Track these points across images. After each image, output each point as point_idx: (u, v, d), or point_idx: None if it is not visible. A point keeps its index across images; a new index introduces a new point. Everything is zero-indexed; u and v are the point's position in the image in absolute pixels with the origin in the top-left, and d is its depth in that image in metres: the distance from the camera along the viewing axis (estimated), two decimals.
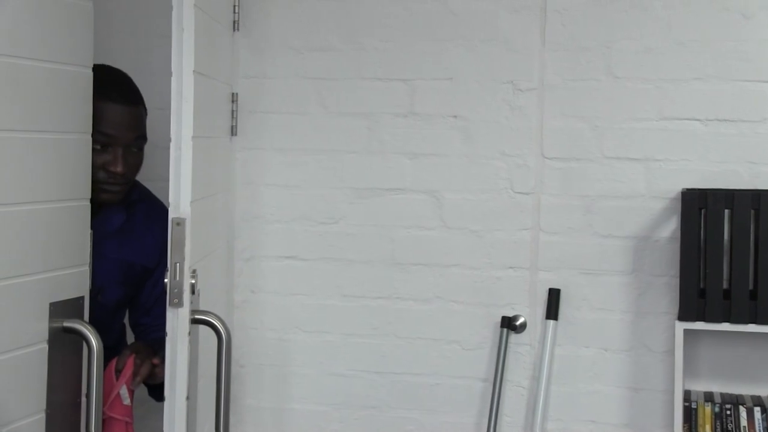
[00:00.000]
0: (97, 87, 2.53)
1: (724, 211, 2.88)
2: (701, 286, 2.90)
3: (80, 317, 2.40)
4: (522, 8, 3.19)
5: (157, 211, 2.79)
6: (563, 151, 3.18)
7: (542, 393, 3.16)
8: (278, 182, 3.33)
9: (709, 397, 3.00)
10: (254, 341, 3.35)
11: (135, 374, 2.57)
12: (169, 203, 2.43)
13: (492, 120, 3.22)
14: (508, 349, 3.19)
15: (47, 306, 2.28)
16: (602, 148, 3.15)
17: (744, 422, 2.91)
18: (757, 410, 2.92)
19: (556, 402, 3.19)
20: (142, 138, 2.69)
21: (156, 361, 2.57)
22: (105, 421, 2.53)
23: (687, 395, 2.98)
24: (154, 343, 2.68)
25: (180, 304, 2.41)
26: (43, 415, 2.27)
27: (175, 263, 2.41)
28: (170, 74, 2.55)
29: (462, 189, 3.24)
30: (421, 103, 3.27)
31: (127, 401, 2.58)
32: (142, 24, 3.40)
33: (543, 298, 3.19)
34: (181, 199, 2.43)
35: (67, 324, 2.33)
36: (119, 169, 2.60)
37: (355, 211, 3.30)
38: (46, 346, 2.28)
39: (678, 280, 2.94)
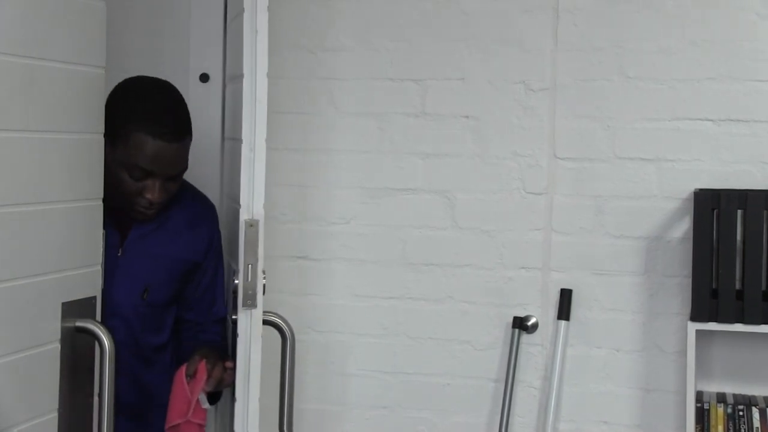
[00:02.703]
0: (141, 117, 2.49)
1: (737, 212, 2.87)
2: (714, 286, 2.89)
3: (92, 317, 2.40)
4: (534, 8, 3.18)
5: (204, 207, 2.78)
6: (575, 152, 3.17)
7: (554, 393, 3.15)
8: (290, 182, 3.33)
9: (721, 398, 2.99)
10: (265, 341, 3.34)
11: (208, 378, 2.55)
12: (240, 205, 2.43)
13: (504, 120, 3.22)
14: (519, 349, 3.19)
15: (59, 306, 2.28)
16: (614, 149, 3.14)
17: (757, 423, 2.90)
18: None
19: (568, 402, 3.18)
20: (184, 169, 2.62)
21: (229, 364, 2.54)
22: (181, 426, 2.55)
23: (699, 396, 2.97)
24: (215, 345, 2.68)
25: (254, 305, 2.44)
26: (55, 415, 2.27)
27: (248, 265, 2.42)
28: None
29: (474, 189, 3.24)
30: (432, 103, 3.26)
31: (206, 405, 2.58)
32: (153, 24, 3.41)
33: (555, 298, 3.19)
34: (254, 201, 2.43)
35: (79, 324, 2.33)
36: (157, 197, 2.55)
37: (366, 211, 3.30)
38: (58, 345, 2.28)
39: (690, 280, 2.93)
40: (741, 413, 2.92)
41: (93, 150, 2.41)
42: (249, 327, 2.45)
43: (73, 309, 2.32)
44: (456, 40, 3.24)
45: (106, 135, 2.46)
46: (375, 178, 3.30)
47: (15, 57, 2.11)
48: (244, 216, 2.43)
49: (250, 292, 2.43)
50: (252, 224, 2.42)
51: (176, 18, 3.32)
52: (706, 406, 2.93)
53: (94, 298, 2.41)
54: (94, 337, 2.34)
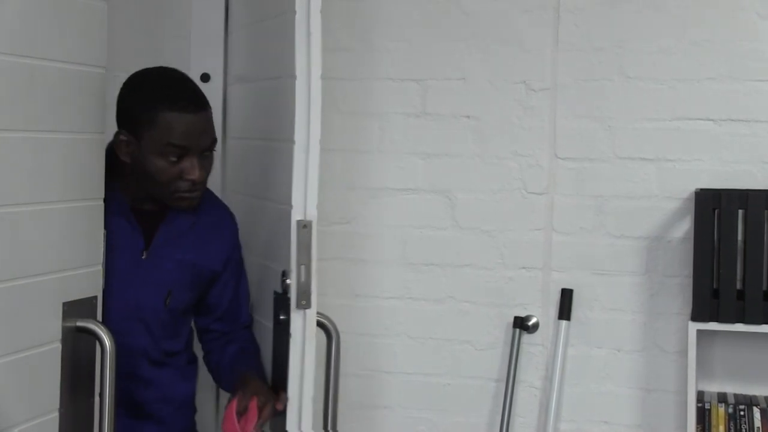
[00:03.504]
0: (161, 96, 2.48)
1: (737, 212, 2.87)
2: (714, 286, 2.89)
3: (93, 317, 2.40)
4: (535, 8, 3.18)
5: (226, 215, 2.76)
6: (576, 151, 3.17)
7: (555, 393, 3.15)
8: None
9: (722, 398, 2.99)
10: None
11: (259, 417, 2.52)
12: (292, 206, 2.45)
13: (504, 120, 3.22)
14: (520, 349, 3.19)
15: (60, 305, 2.28)
16: (615, 149, 3.14)
17: (758, 423, 2.90)
18: None
19: (569, 402, 3.18)
20: (215, 141, 2.60)
21: (279, 406, 2.51)
22: None
23: (700, 396, 2.97)
24: (259, 372, 2.67)
25: (308, 306, 2.45)
26: (56, 415, 2.27)
27: (301, 265, 2.43)
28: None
29: (474, 189, 3.24)
30: (433, 103, 3.26)
31: None
32: (153, 24, 3.40)
33: (555, 298, 3.19)
34: (307, 202, 2.45)
35: (80, 323, 2.33)
36: (197, 176, 2.52)
37: (367, 211, 3.30)
38: (59, 345, 2.28)
39: (691, 280, 2.93)
40: (742, 413, 2.92)
41: (93, 150, 2.41)
42: (303, 327, 2.46)
43: (74, 309, 2.33)
44: (456, 40, 3.24)
45: (129, 131, 2.49)
46: (376, 177, 3.30)
47: (15, 57, 2.11)
48: (296, 217, 2.45)
49: (304, 292, 2.44)
50: (305, 225, 2.44)
51: (177, 18, 3.32)
52: (707, 406, 2.93)
53: (95, 298, 2.41)
54: (95, 337, 2.34)
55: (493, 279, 3.23)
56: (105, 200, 2.47)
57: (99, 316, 2.43)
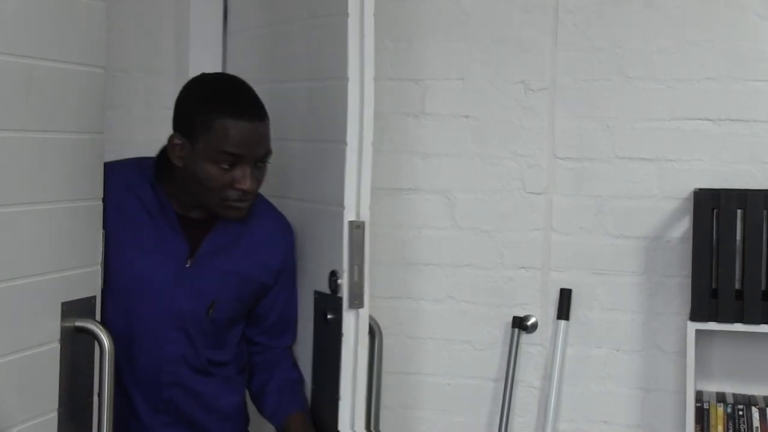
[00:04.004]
0: (219, 102, 2.45)
1: (736, 211, 2.87)
2: (713, 286, 2.89)
3: (92, 317, 2.40)
4: (534, 8, 3.18)
5: (279, 226, 2.67)
6: (575, 151, 3.17)
7: (554, 393, 3.15)
8: None
9: (721, 397, 2.99)
10: None
11: None
12: (344, 207, 2.47)
13: (504, 120, 3.22)
14: (519, 349, 3.19)
15: (59, 305, 2.28)
16: (614, 148, 3.14)
17: (757, 423, 2.91)
18: None
19: (568, 402, 3.18)
20: (269, 153, 2.53)
21: None
22: None
23: (699, 396, 2.98)
24: (305, 407, 2.64)
25: (361, 305, 2.48)
26: (55, 414, 2.27)
27: (355, 265, 2.46)
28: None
29: (474, 189, 3.24)
30: (432, 103, 3.27)
31: None
32: (152, 24, 3.41)
33: (554, 298, 3.19)
34: (360, 203, 2.49)
35: (79, 323, 2.33)
36: (248, 186, 2.46)
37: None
38: (58, 345, 2.28)
39: (690, 280, 2.93)
40: (741, 413, 2.92)
41: (93, 150, 2.41)
42: (356, 326, 2.49)
43: (73, 309, 2.32)
44: (456, 39, 3.24)
45: (183, 134, 2.46)
46: (375, 177, 3.29)
47: (14, 57, 2.11)
48: (349, 217, 2.48)
49: (357, 291, 2.47)
50: (358, 225, 2.48)
51: (175, 18, 3.32)
52: (705, 406, 2.93)
53: (94, 297, 2.41)
54: (94, 336, 2.34)
55: (493, 279, 3.23)
56: (150, 204, 2.48)
57: (98, 316, 2.43)
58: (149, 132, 3.28)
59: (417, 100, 3.27)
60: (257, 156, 2.47)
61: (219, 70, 3.25)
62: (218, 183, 2.45)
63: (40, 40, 2.19)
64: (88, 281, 2.40)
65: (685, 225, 3.08)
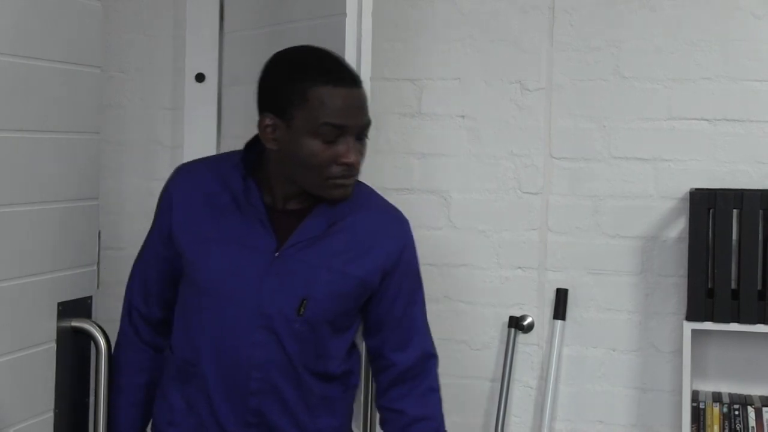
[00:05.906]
0: (312, 69, 2.17)
1: (732, 211, 2.88)
2: (709, 286, 2.89)
3: (88, 317, 2.40)
4: (530, 8, 3.19)
5: (389, 219, 2.36)
6: (571, 151, 3.18)
7: (550, 393, 3.16)
8: None
9: (717, 397, 2.99)
10: None
11: None
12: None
13: (500, 120, 3.22)
14: (515, 349, 3.19)
15: (55, 306, 2.28)
16: (610, 148, 3.15)
17: (752, 422, 2.91)
18: (765, 410, 2.92)
19: (564, 402, 3.19)
20: (370, 123, 2.25)
21: None
22: None
23: (695, 395, 2.98)
24: None
25: None
26: (51, 415, 2.27)
27: None
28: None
29: (470, 189, 3.24)
30: (428, 103, 3.27)
31: None
32: (149, 24, 3.41)
33: (551, 298, 3.19)
34: None
35: (75, 324, 2.33)
36: (353, 159, 2.17)
37: None
38: (54, 345, 2.28)
39: (686, 280, 2.93)
40: (737, 412, 2.92)
41: (89, 150, 2.41)
42: None
43: (69, 309, 2.32)
44: (452, 39, 3.24)
45: (275, 113, 2.17)
46: (371, 177, 3.29)
47: (11, 57, 2.11)
48: None
49: None
50: None
51: (172, 19, 3.32)
52: (701, 406, 2.93)
53: (90, 298, 2.41)
54: (90, 337, 2.34)
55: (489, 279, 3.23)
56: (240, 197, 2.22)
57: (94, 316, 2.43)
58: (145, 132, 3.29)
59: (413, 100, 3.27)
60: (360, 126, 2.20)
61: (215, 70, 3.25)
62: (321, 159, 2.15)
63: (37, 40, 2.19)
64: (85, 281, 2.40)
65: (681, 225, 3.08)
